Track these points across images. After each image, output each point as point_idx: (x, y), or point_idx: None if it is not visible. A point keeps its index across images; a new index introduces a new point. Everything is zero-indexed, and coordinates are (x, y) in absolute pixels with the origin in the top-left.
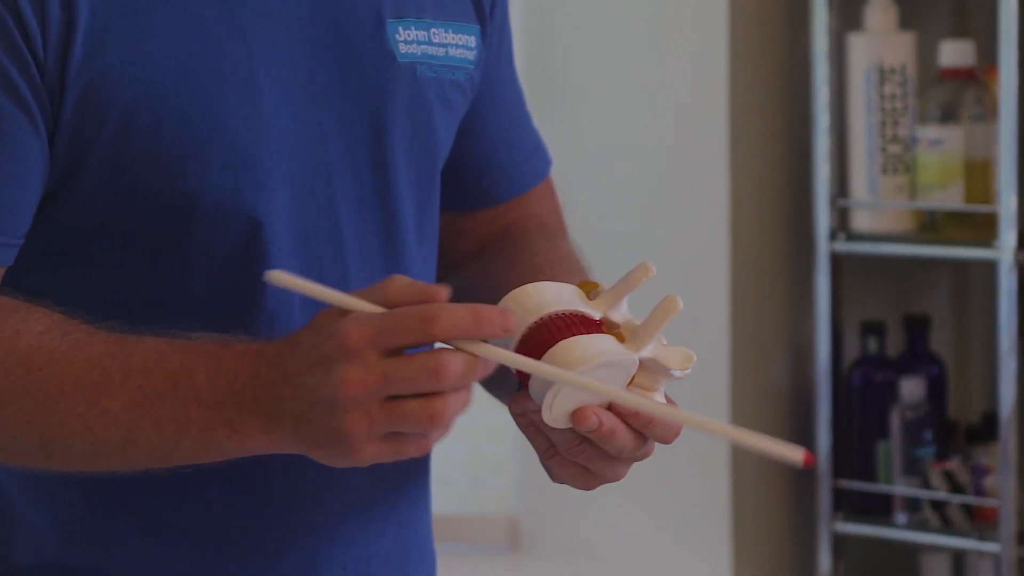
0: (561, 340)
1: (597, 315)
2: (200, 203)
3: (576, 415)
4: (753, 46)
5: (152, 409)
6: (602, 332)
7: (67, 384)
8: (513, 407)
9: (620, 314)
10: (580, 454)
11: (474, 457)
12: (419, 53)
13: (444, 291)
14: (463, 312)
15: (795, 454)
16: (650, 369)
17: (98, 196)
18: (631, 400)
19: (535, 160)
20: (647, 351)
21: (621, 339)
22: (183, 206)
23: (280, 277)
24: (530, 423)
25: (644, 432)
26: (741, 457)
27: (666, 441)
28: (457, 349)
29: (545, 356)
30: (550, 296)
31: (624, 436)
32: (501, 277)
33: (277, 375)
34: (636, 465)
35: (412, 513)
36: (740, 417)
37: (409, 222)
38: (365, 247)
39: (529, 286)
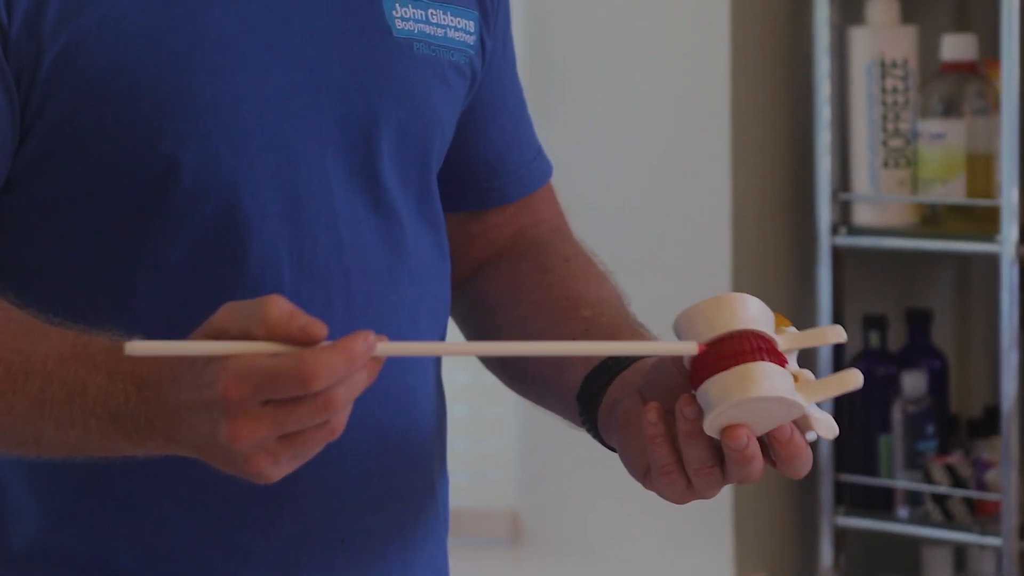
0: (759, 360)
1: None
2: (179, 167)
3: (729, 431)
4: (754, 40)
5: (52, 413)
6: (786, 369)
7: None
8: (650, 415)
9: (791, 361)
10: (707, 475)
11: (475, 451)
12: (415, 31)
13: (324, 328)
14: (336, 359)
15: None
16: (798, 422)
17: (80, 162)
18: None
19: (539, 162)
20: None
21: (795, 382)
22: (163, 170)
23: (136, 347)
24: (660, 433)
25: (783, 463)
26: None
27: (797, 475)
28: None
29: (737, 368)
30: (755, 313)
31: (759, 464)
32: (536, 279)
33: (166, 407)
34: None
35: (413, 490)
36: None
37: (396, 195)
38: (356, 216)
39: (739, 296)
